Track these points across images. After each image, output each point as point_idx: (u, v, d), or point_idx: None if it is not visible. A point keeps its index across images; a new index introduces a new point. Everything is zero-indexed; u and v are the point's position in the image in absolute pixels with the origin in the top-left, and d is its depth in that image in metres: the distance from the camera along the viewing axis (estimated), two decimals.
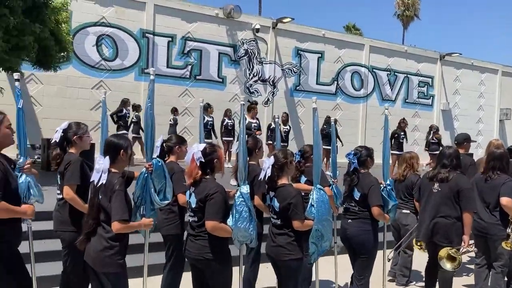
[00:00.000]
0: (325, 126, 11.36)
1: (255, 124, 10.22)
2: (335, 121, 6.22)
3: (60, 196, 3.77)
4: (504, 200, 4.70)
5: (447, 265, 4.37)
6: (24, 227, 3.40)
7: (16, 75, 3.60)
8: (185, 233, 3.69)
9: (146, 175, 3.39)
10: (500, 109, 21.84)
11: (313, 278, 4.34)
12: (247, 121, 9.49)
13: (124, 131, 10.14)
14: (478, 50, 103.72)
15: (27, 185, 3.40)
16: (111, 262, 3.10)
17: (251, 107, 10.26)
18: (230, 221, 3.33)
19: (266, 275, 4.88)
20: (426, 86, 19.52)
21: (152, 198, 3.38)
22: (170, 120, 12.15)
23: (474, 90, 21.10)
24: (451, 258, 4.35)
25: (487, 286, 4.93)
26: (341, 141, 11.71)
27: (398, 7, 45.95)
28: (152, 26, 13.54)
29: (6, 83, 10.47)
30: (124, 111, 10.76)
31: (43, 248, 5.04)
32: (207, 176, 3.35)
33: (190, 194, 3.37)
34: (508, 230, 4.80)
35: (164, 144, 4.33)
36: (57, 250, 4.32)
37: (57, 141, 3.78)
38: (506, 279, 5.24)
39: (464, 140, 5.94)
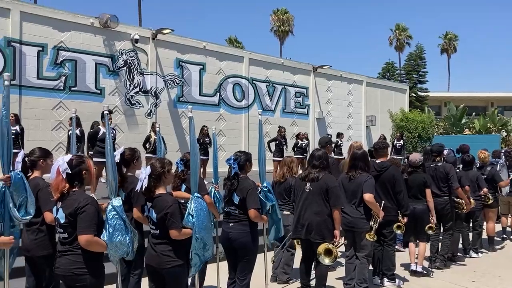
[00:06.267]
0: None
1: (112, 135, 9.21)
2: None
3: None
4: (366, 196, 5.20)
5: (326, 260, 4.66)
6: None
7: None
8: None
9: (3, 189, 3.11)
10: (366, 116, 24.14)
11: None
12: (101, 132, 8.93)
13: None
14: (345, 63, 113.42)
15: None
16: None
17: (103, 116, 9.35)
18: (104, 236, 3.21)
19: None
20: (301, 96, 20.81)
21: (12, 214, 3.11)
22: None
23: (344, 100, 23.04)
24: (328, 253, 4.66)
25: (355, 276, 5.42)
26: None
27: (274, 23, 48.53)
28: (18, 34, 12.46)
29: None
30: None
31: None
32: (75, 189, 3.19)
33: (57, 210, 3.17)
34: (371, 223, 5.36)
35: (26, 159, 3.97)
36: None
37: None
38: (371, 268, 5.83)
39: (326, 143, 6.51)
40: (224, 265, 4.94)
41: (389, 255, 5.82)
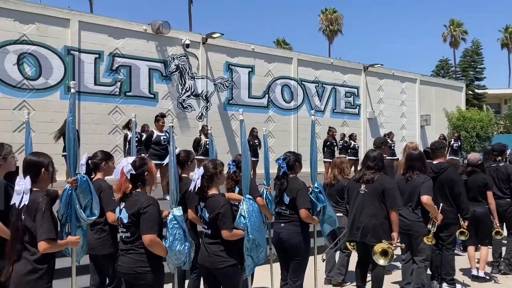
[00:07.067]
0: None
1: (165, 137, 9.24)
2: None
3: None
4: (424, 198, 5.00)
5: (380, 260, 4.54)
6: None
7: None
8: None
9: (70, 191, 3.26)
10: (420, 116, 23.33)
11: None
12: (155, 135, 9.13)
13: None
14: (397, 61, 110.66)
15: None
16: (37, 286, 2.93)
17: (157, 119, 9.40)
18: (165, 243, 3.30)
19: None
20: (352, 96, 20.45)
21: (78, 214, 3.25)
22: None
23: (396, 99, 22.40)
24: (384, 253, 4.53)
25: (412, 280, 5.23)
26: None
27: (322, 22, 48.12)
28: (77, 43, 13.10)
29: None
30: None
31: None
32: (138, 190, 3.28)
33: (121, 210, 3.29)
34: (429, 226, 5.14)
35: (89, 161, 4.18)
36: None
37: None
38: (429, 272, 5.61)
39: (381, 144, 6.31)
40: (277, 267, 4.93)
41: (448, 259, 5.57)
